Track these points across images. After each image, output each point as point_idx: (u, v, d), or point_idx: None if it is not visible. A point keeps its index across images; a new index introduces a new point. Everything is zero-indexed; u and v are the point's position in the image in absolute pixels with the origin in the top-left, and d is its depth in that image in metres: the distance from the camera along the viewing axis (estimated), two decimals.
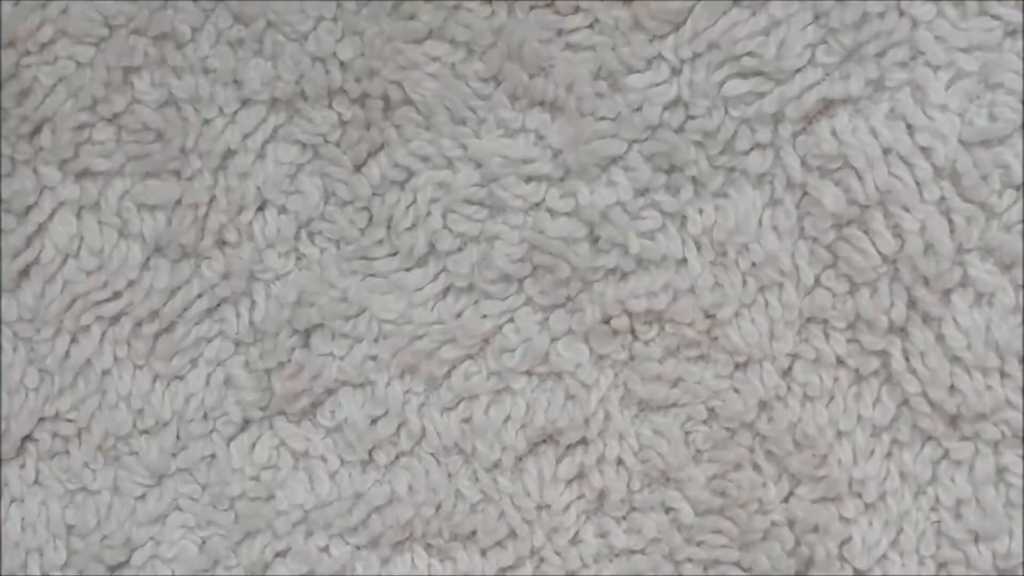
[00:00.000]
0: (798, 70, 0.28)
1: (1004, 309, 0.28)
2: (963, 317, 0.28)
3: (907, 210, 0.28)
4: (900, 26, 0.27)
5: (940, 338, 0.28)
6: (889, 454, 0.29)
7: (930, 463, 0.29)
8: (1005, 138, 0.28)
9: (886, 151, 0.28)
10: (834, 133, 0.28)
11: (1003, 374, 0.28)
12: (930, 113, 0.28)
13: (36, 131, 0.30)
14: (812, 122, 0.28)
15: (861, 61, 0.28)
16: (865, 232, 0.28)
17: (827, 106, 0.28)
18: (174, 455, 0.31)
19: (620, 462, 0.30)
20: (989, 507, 0.28)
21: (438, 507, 0.30)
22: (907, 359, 0.28)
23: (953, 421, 0.29)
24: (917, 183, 0.28)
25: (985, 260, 0.28)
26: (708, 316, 0.29)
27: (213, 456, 0.31)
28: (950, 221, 0.28)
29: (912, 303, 0.28)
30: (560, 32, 0.29)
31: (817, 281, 0.29)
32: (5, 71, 0.30)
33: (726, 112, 0.28)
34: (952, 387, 0.28)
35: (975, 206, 0.28)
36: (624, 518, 0.30)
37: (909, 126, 0.28)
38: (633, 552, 0.30)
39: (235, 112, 0.30)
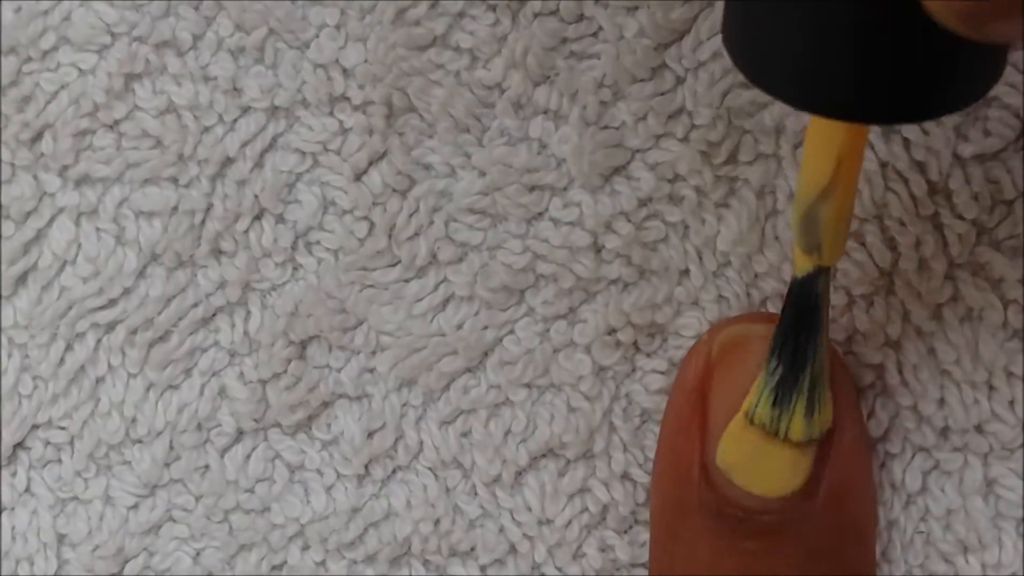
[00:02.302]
0: None
1: (992, 325, 0.30)
2: (953, 332, 0.30)
3: (903, 224, 0.30)
4: None
5: (931, 352, 0.31)
6: (882, 465, 0.31)
7: (920, 474, 0.31)
8: (998, 153, 0.30)
9: (883, 165, 0.30)
10: None
11: (991, 387, 0.30)
12: (925, 127, 0.30)
13: (37, 137, 0.32)
14: None
15: None
16: (863, 245, 0.30)
17: None
18: (167, 465, 0.33)
19: (625, 475, 0.32)
20: (978, 518, 0.31)
21: (436, 523, 0.33)
22: (900, 372, 0.31)
23: (944, 433, 0.31)
24: (913, 198, 0.30)
25: (975, 276, 0.30)
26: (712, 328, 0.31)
27: (207, 467, 0.33)
28: (943, 237, 0.30)
29: (906, 317, 0.31)
30: (564, 40, 0.31)
31: None
32: (7, 78, 0.32)
33: (730, 123, 0.31)
34: (942, 400, 0.31)
35: (966, 223, 0.30)
36: (627, 531, 0.32)
37: (905, 140, 0.30)
38: (635, 566, 0.32)
39: (235, 120, 0.32)
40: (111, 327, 0.33)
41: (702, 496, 0.28)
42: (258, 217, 0.32)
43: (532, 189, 0.32)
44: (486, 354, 0.32)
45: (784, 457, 0.28)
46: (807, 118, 0.30)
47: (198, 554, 0.34)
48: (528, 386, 0.32)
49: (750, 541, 0.28)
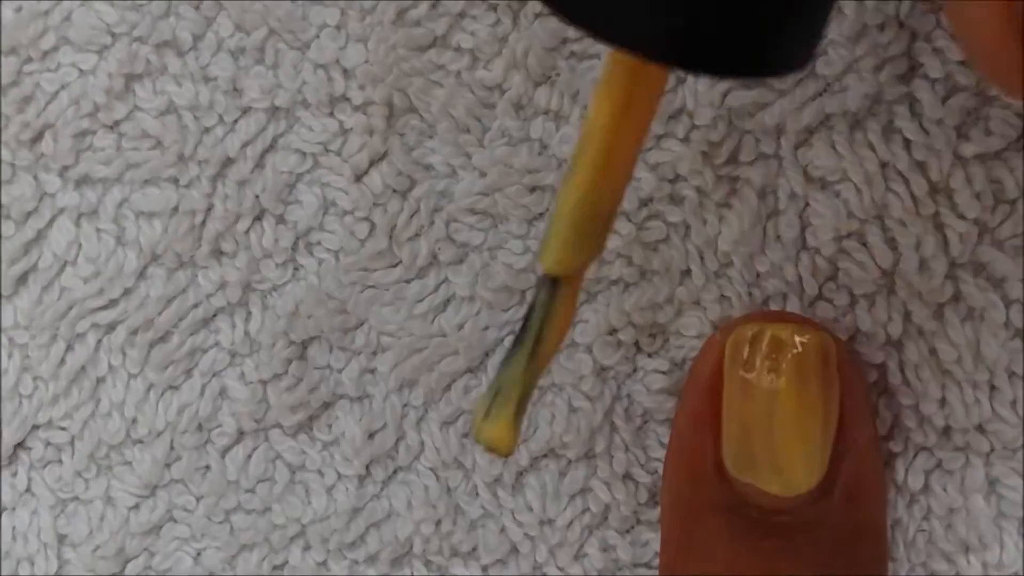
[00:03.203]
0: (798, 82, 0.30)
1: (994, 324, 0.31)
2: (954, 332, 0.31)
3: (903, 224, 0.30)
4: (899, 39, 0.30)
5: (933, 352, 0.31)
6: (886, 463, 0.31)
7: (922, 473, 0.31)
8: (1000, 152, 0.30)
9: (883, 165, 0.30)
10: (833, 146, 0.30)
11: (992, 387, 0.31)
12: (926, 127, 0.30)
13: (37, 138, 0.32)
14: (813, 134, 0.31)
15: (859, 74, 0.30)
16: (864, 245, 0.31)
17: (826, 119, 0.30)
18: (168, 466, 0.33)
19: (627, 475, 0.32)
20: (979, 518, 0.31)
21: (438, 523, 0.33)
22: (902, 372, 0.31)
23: (946, 432, 0.31)
24: (913, 198, 0.30)
25: (977, 276, 0.31)
26: (714, 328, 0.32)
27: (208, 468, 0.33)
28: (944, 236, 0.30)
29: (907, 317, 0.31)
30: (565, 40, 0.31)
31: (820, 293, 0.31)
32: (7, 78, 0.32)
33: (730, 123, 0.31)
34: (943, 400, 0.31)
35: (968, 222, 0.30)
36: (629, 531, 0.33)
37: (906, 140, 0.30)
38: (637, 566, 0.33)
39: (235, 120, 0.32)
40: (111, 327, 0.33)
41: (718, 496, 0.28)
42: (259, 218, 0.33)
43: (533, 190, 0.32)
44: (487, 354, 0.33)
45: None
46: (807, 119, 0.30)
47: (199, 554, 0.34)
48: None
49: (768, 541, 0.28)
